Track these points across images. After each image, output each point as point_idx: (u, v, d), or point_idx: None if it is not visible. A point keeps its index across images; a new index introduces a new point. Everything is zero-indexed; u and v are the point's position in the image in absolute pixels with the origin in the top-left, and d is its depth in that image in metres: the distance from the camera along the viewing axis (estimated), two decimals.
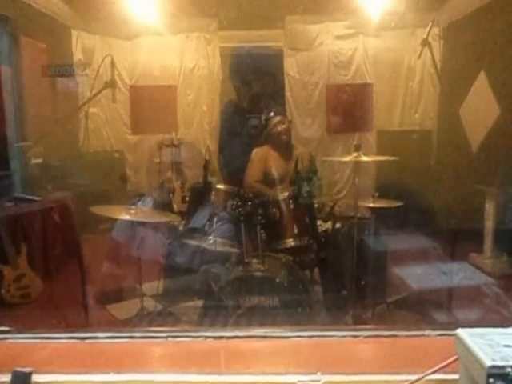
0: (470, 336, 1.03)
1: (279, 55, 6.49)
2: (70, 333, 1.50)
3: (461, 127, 5.64)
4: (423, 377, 1.15)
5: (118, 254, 4.13)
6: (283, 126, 4.21)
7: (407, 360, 1.38)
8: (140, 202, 3.80)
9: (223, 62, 6.47)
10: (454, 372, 1.11)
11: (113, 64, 4.00)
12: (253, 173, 4.22)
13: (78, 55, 6.01)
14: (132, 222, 3.55)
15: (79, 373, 1.29)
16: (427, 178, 5.79)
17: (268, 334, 1.51)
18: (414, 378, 1.17)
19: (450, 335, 1.37)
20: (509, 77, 4.78)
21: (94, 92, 4.14)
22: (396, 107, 6.61)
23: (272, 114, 4.24)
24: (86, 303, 3.82)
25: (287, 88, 6.56)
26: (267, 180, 4.18)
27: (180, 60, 6.50)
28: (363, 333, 1.49)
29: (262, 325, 3.00)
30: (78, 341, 1.47)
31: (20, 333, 1.52)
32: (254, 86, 6.20)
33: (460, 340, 1.05)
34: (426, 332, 1.48)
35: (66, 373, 1.29)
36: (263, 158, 4.24)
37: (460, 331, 1.06)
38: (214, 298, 3.23)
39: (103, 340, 1.48)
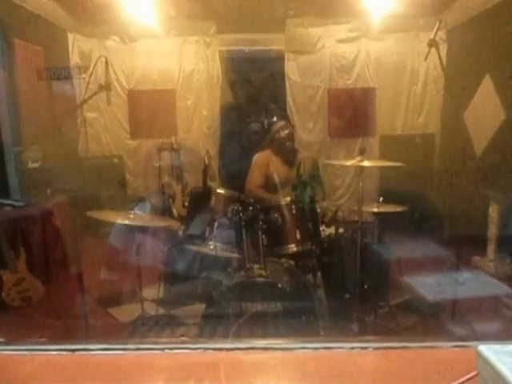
0: (494, 354, 0.95)
1: (280, 59, 6.43)
2: (60, 344, 1.40)
3: (464, 131, 5.59)
4: None
5: (115, 260, 4.09)
6: (286, 132, 4.16)
7: (419, 373, 1.29)
8: (137, 208, 3.73)
9: (223, 65, 6.40)
10: None
11: (107, 65, 3.90)
12: (255, 178, 4.14)
13: (74, 59, 5.94)
14: (129, 227, 3.50)
15: None
16: (431, 182, 5.74)
17: (271, 346, 1.42)
18: None
19: (465, 347, 1.35)
20: None
21: (88, 95, 4.07)
22: (399, 111, 6.55)
23: (275, 118, 4.18)
24: (84, 307, 3.79)
25: (288, 92, 6.50)
26: (269, 185, 4.11)
27: (179, 64, 6.45)
28: (372, 344, 1.39)
29: (264, 332, 2.99)
30: (68, 353, 1.37)
31: (5, 344, 1.45)
32: (254, 90, 6.13)
33: (482, 357, 0.96)
34: (440, 343, 1.39)
35: None
36: (265, 163, 4.17)
37: (483, 348, 0.97)
38: (215, 305, 3.18)
39: (95, 352, 1.38)
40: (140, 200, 5.12)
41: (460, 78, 5.68)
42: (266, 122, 4.31)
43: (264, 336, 2.90)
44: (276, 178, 4.10)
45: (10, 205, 4.50)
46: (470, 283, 4.24)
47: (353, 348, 1.38)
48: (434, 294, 3.95)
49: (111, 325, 3.95)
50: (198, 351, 1.40)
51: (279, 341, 1.45)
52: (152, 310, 3.91)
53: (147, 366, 1.36)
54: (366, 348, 1.38)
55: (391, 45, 6.33)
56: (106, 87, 3.90)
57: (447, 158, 6.03)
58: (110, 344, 1.41)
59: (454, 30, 5.79)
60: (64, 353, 1.38)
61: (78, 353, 1.38)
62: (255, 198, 3.72)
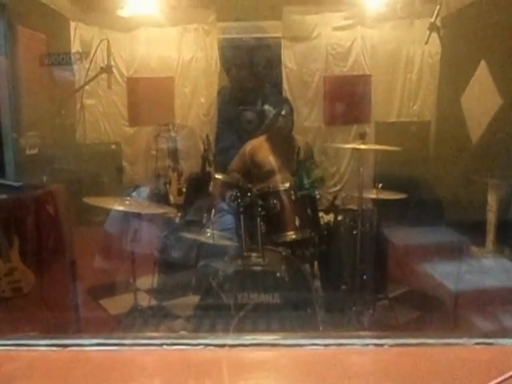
0: None
1: (277, 46, 6.44)
2: (50, 339, 1.31)
3: (460, 118, 5.60)
4: None
5: (111, 248, 4.07)
6: (285, 115, 4.10)
7: (440, 373, 1.21)
8: (134, 193, 3.72)
9: (221, 53, 6.41)
10: None
11: (109, 49, 3.86)
12: (233, 163, 4.14)
13: (76, 47, 5.95)
14: (125, 214, 3.50)
15: None
16: (427, 169, 5.77)
17: (278, 342, 1.32)
18: None
19: (489, 344, 1.27)
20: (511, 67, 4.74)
21: (89, 78, 4.04)
22: (394, 98, 6.57)
23: (280, 108, 4.12)
24: (76, 298, 3.76)
25: (284, 79, 6.51)
26: (263, 171, 4.08)
27: (178, 52, 6.45)
28: (388, 341, 1.30)
29: (263, 324, 2.94)
30: (60, 348, 1.28)
31: None
32: (251, 78, 6.15)
33: None
34: (462, 340, 1.29)
35: None
36: (250, 153, 4.12)
37: None
38: (211, 295, 3.15)
39: (88, 348, 1.29)
40: (137, 186, 5.13)
41: (455, 64, 5.69)
42: (266, 106, 4.25)
43: (265, 329, 2.88)
44: (271, 164, 4.06)
45: (10, 185, 4.37)
46: (494, 272, 4.20)
47: (367, 345, 1.29)
48: (457, 283, 3.79)
49: (101, 317, 3.91)
50: (199, 347, 1.30)
51: (287, 336, 1.36)
52: (145, 300, 3.84)
53: (144, 363, 1.29)
54: (381, 345, 1.29)
55: (387, 32, 6.33)
56: (108, 70, 3.84)
57: (444, 145, 6.06)
58: (105, 339, 1.32)
59: (449, 16, 5.82)
60: (54, 348, 1.29)
61: (69, 348, 1.29)
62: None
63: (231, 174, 4.02)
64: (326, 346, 1.29)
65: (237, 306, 3.00)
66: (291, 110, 4.16)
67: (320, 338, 1.31)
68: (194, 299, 3.55)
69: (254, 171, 4.07)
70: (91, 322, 3.62)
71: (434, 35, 4.22)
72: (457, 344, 1.28)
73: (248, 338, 1.33)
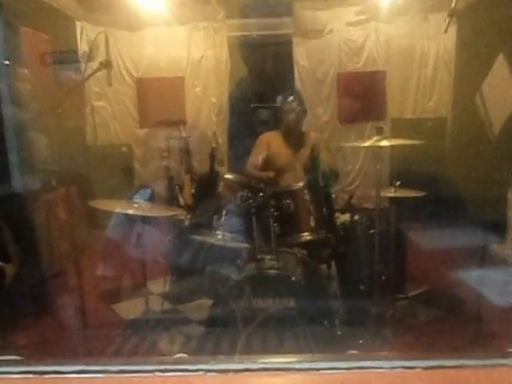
0: None
1: (289, 43, 6.34)
2: (25, 366, 1.14)
3: (477, 114, 5.46)
4: None
5: (115, 252, 3.96)
6: (294, 110, 3.98)
7: None
8: (137, 196, 3.57)
9: (231, 51, 6.31)
10: None
11: (107, 42, 3.63)
12: (251, 157, 4.03)
13: (82, 47, 5.86)
14: (129, 217, 3.40)
15: None
16: (444, 166, 5.64)
17: (291, 366, 1.12)
18: None
19: None
20: None
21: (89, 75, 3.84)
22: (409, 95, 6.46)
23: (289, 98, 4.02)
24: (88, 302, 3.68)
25: (297, 77, 6.41)
26: (271, 167, 3.95)
27: (187, 51, 6.37)
28: (420, 363, 1.09)
29: (276, 338, 2.77)
30: (36, 376, 1.11)
31: None
32: (263, 76, 6.05)
33: None
34: (509, 361, 1.10)
35: None
36: (264, 143, 4.05)
37: None
38: (221, 305, 3.01)
39: (69, 375, 1.11)
40: (142, 187, 5.02)
41: (471, 59, 5.56)
42: (279, 98, 4.11)
43: (276, 345, 2.72)
44: (282, 160, 3.97)
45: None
46: None
47: (395, 368, 1.09)
48: (480, 282, 3.56)
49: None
50: (198, 373, 1.11)
51: (301, 359, 1.17)
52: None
53: None
54: (413, 368, 1.09)
55: (401, 27, 6.22)
56: (107, 65, 3.59)
57: (461, 141, 5.92)
58: (87, 365, 1.14)
59: (465, 9, 5.67)
60: (30, 376, 1.12)
61: (47, 376, 1.12)
62: (251, 178, 3.57)
63: (251, 169, 3.91)
64: (347, 369, 1.11)
65: (245, 319, 2.82)
66: (300, 98, 4.06)
67: (340, 360, 1.13)
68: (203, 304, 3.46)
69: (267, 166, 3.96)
70: None
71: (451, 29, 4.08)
72: (503, 365, 1.09)
73: (256, 362, 1.13)
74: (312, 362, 1.14)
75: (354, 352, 1.49)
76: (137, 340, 3.38)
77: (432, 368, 1.08)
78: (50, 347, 3.24)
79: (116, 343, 3.34)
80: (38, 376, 1.11)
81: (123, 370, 1.13)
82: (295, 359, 1.16)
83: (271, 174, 3.79)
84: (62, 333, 3.46)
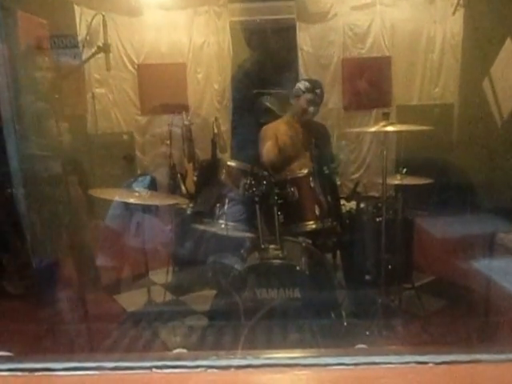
0: None
1: (292, 28, 6.23)
2: (14, 363, 1.06)
3: (484, 100, 5.38)
4: None
5: (115, 241, 3.90)
6: (319, 102, 3.86)
7: None
8: (135, 184, 3.48)
9: (233, 36, 6.21)
10: None
11: (105, 24, 3.48)
12: (269, 148, 3.85)
13: (82, 33, 5.75)
14: (128, 206, 3.33)
15: None
16: (451, 153, 5.56)
17: (296, 362, 1.03)
18: None
19: None
20: None
21: (86, 58, 3.70)
22: (416, 81, 6.35)
23: (317, 90, 3.85)
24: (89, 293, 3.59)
25: (301, 62, 6.30)
26: (283, 158, 3.86)
27: (189, 36, 6.26)
28: (433, 358, 1.00)
29: (282, 330, 2.69)
30: (25, 374, 1.03)
31: None
32: (266, 61, 5.96)
33: None
34: None
35: None
36: (272, 134, 3.90)
37: None
38: (224, 296, 2.96)
39: (61, 373, 1.03)
40: (143, 176, 4.94)
41: (479, 43, 5.46)
42: (301, 85, 3.94)
43: (281, 338, 2.64)
44: (289, 149, 3.84)
45: None
46: None
47: (407, 363, 1.00)
48: (488, 270, 3.44)
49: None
50: (198, 370, 1.02)
51: (308, 354, 1.07)
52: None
53: None
54: (425, 363, 1.00)
55: (407, 11, 6.11)
56: (105, 49, 3.44)
57: (468, 128, 5.82)
58: (80, 362, 1.06)
59: None
60: (19, 373, 1.03)
61: (37, 373, 1.03)
62: (275, 169, 3.51)
63: (268, 162, 3.77)
64: (356, 365, 1.00)
65: (249, 310, 2.75)
66: (323, 91, 3.93)
67: (349, 355, 1.03)
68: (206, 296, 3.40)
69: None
70: None
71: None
72: None
73: (259, 358, 1.04)
74: (318, 357, 1.05)
75: (363, 346, 1.35)
76: (137, 332, 3.30)
77: (446, 363, 1.00)
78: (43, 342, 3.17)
79: (114, 336, 3.27)
80: (27, 373, 1.04)
81: (118, 366, 1.05)
82: (300, 354, 1.07)
83: (293, 167, 3.70)
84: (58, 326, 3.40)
